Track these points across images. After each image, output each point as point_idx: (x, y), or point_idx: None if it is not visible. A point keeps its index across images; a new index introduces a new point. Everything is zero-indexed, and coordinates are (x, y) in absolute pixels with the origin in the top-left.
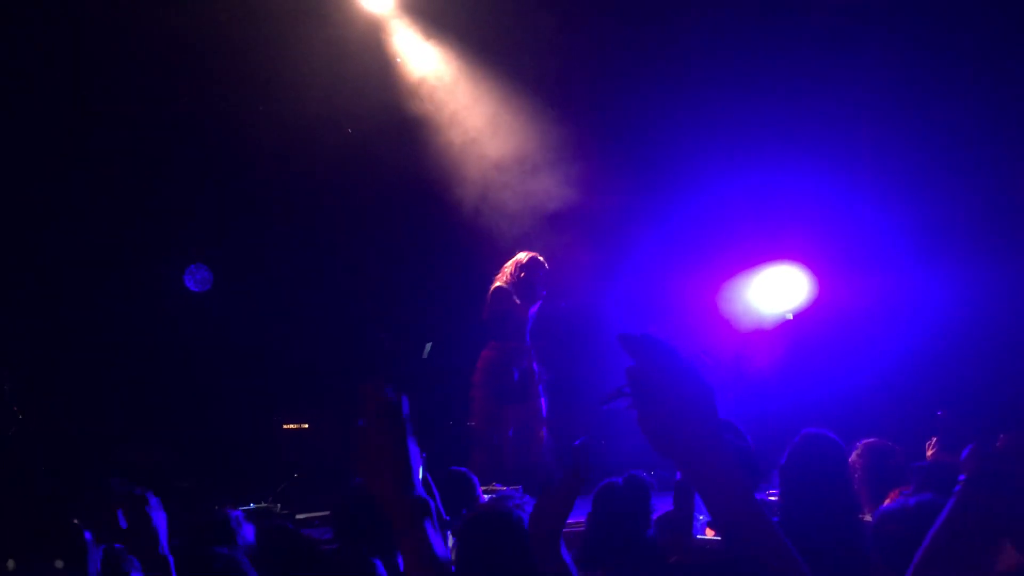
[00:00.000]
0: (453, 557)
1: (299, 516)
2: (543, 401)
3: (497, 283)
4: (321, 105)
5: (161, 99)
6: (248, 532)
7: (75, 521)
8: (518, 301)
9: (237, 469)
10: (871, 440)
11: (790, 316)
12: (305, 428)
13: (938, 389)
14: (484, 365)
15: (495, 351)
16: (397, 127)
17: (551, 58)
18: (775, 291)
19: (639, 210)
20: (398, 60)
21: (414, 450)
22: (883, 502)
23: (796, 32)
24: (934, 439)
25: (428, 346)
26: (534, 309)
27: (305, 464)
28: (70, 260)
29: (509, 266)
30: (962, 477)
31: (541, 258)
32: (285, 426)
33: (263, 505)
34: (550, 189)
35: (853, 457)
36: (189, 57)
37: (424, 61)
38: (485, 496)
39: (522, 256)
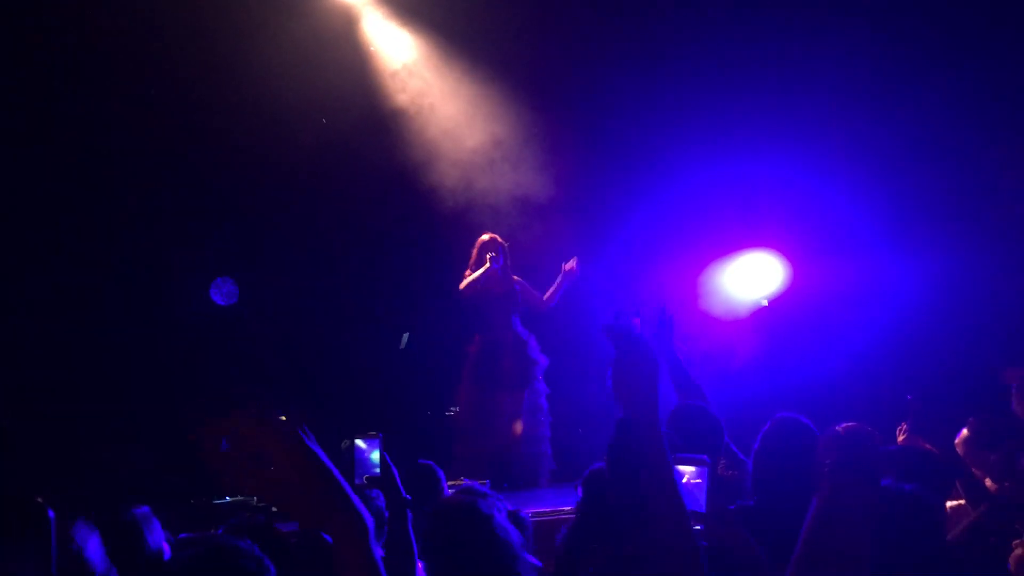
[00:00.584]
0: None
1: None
2: (540, 388)
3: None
4: (295, 95)
5: (128, 93)
6: (156, 531)
7: (38, 499)
8: (472, 280)
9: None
10: (849, 424)
11: (765, 303)
12: (282, 420)
13: (910, 374)
14: (470, 357)
15: (478, 343)
16: (373, 117)
17: (527, 44)
18: (750, 278)
19: (614, 199)
20: (372, 49)
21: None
22: None
23: (770, 21)
24: (904, 424)
25: (405, 336)
26: (501, 289)
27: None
28: (67, 258)
29: (473, 253)
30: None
31: (491, 236)
32: None
33: (239, 498)
34: (527, 179)
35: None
36: (157, 47)
37: (399, 50)
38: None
39: (482, 238)
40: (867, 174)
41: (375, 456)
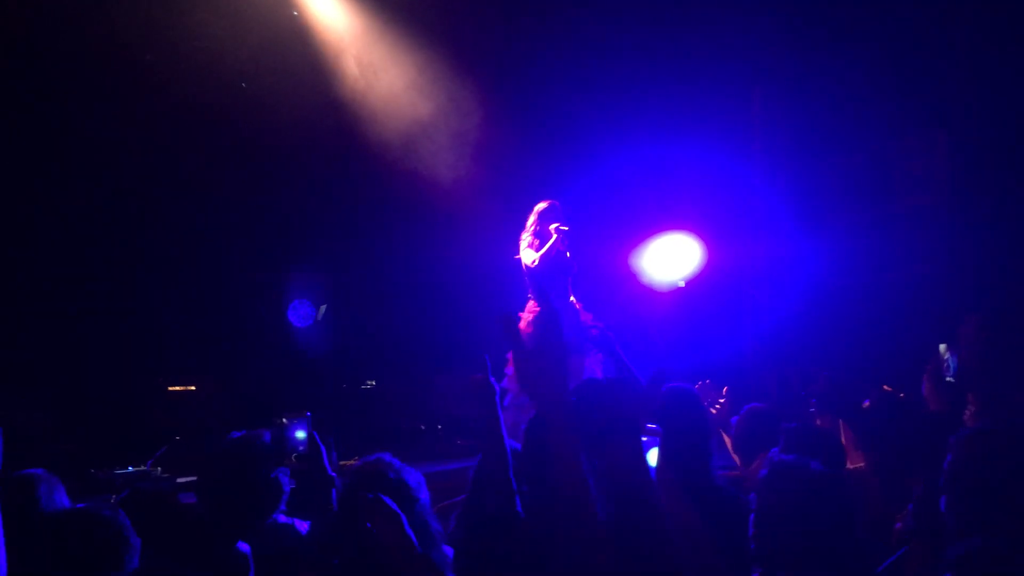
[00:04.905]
0: None
1: (180, 480)
2: (595, 357)
3: (521, 243)
4: (224, 63)
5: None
6: (59, 494)
7: None
8: (534, 252)
9: (118, 431)
10: (754, 405)
11: (682, 284)
12: (191, 390)
13: (819, 350)
14: (524, 325)
15: (535, 310)
16: (311, 88)
17: (456, 21)
18: (668, 259)
19: (535, 181)
20: (295, 14)
21: None
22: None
23: (688, 6)
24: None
25: (322, 308)
26: (556, 258)
27: (191, 427)
28: None
29: (528, 223)
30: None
31: (549, 202)
32: (171, 388)
33: (141, 468)
34: (455, 157)
35: (737, 420)
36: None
37: (337, 21)
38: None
39: (538, 207)
40: (780, 157)
41: (300, 435)
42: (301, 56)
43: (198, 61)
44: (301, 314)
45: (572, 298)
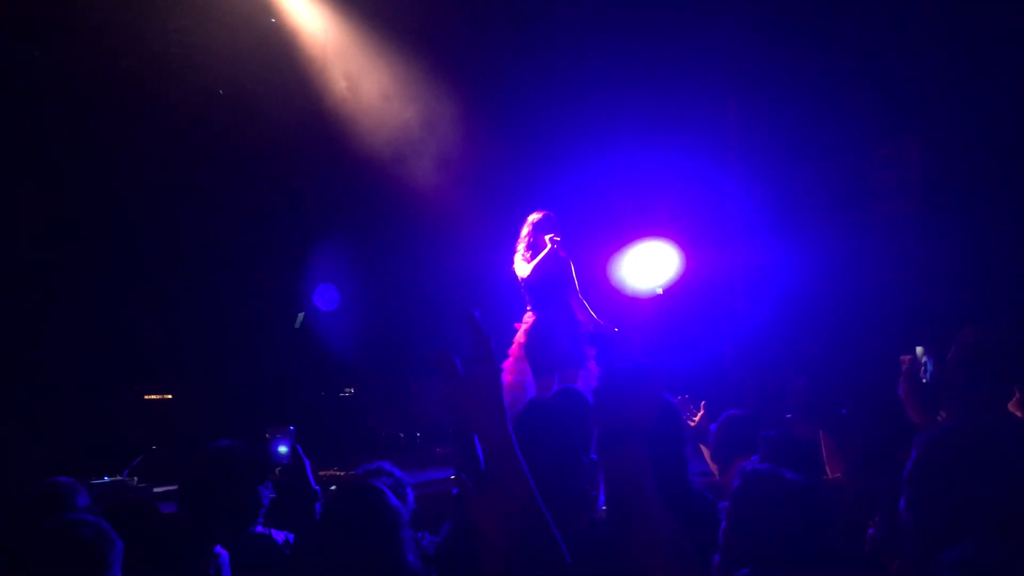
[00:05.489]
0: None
1: (157, 489)
2: (592, 370)
3: (516, 254)
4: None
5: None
6: (82, 499)
7: None
8: (528, 264)
9: (94, 440)
10: (733, 412)
11: (660, 291)
12: (168, 399)
13: (796, 358)
14: (520, 334)
15: (531, 321)
16: (279, 88)
17: (436, 29)
18: (646, 266)
19: (514, 189)
20: (272, 20)
21: None
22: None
23: (665, 15)
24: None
25: (300, 316)
26: (550, 269)
27: (168, 436)
28: None
29: (522, 234)
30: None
31: (542, 213)
32: (147, 396)
33: (117, 478)
34: (429, 163)
35: (715, 426)
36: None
37: (312, 25)
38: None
39: (531, 217)
40: (757, 165)
41: (283, 449)
42: (281, 61)
43: (176, 67)
44: (326, 297)
45: (581, 306)
